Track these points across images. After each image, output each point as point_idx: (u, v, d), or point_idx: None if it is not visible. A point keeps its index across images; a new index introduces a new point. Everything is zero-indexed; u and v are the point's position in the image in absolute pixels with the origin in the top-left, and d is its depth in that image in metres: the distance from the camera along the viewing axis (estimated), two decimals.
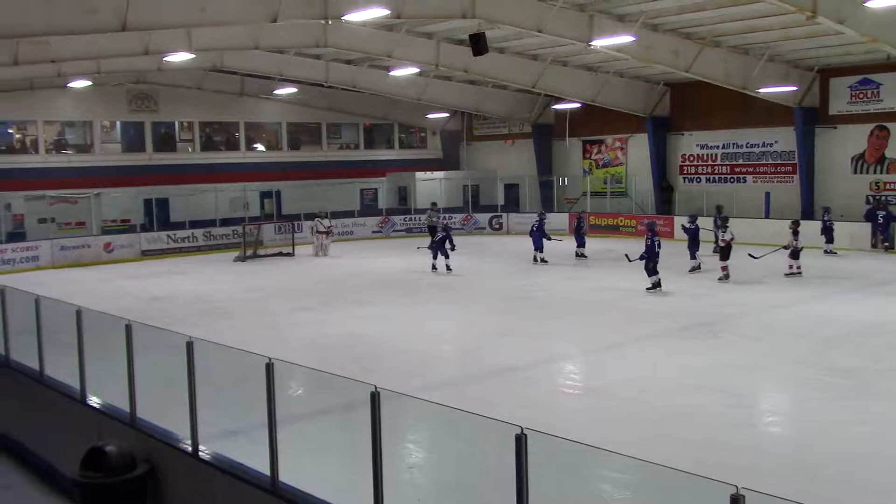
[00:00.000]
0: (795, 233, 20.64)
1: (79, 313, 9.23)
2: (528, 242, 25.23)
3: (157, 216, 31.12)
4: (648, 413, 10.20)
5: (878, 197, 26.70)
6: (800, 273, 20.57)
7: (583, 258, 25.31)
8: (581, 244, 25.73)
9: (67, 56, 22.64)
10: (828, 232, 24.70)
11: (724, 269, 20.12)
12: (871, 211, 26.21)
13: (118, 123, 33.86)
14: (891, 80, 26.46)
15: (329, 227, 29.02)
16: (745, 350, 13.47)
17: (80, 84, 29.38)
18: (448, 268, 22.87)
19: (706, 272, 20.99)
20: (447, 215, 33.48)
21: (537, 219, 25.08)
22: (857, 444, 9.08)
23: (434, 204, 32.25)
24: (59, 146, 32.83)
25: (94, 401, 9.00)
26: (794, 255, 20.58)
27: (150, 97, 32.99)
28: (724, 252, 20.26)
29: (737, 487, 3.78)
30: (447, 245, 22.98)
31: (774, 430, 10.16)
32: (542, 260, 24.46)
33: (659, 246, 19.07)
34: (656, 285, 18.91)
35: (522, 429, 4.65)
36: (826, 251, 24.63)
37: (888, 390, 11.06)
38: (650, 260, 18.96)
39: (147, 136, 33.62)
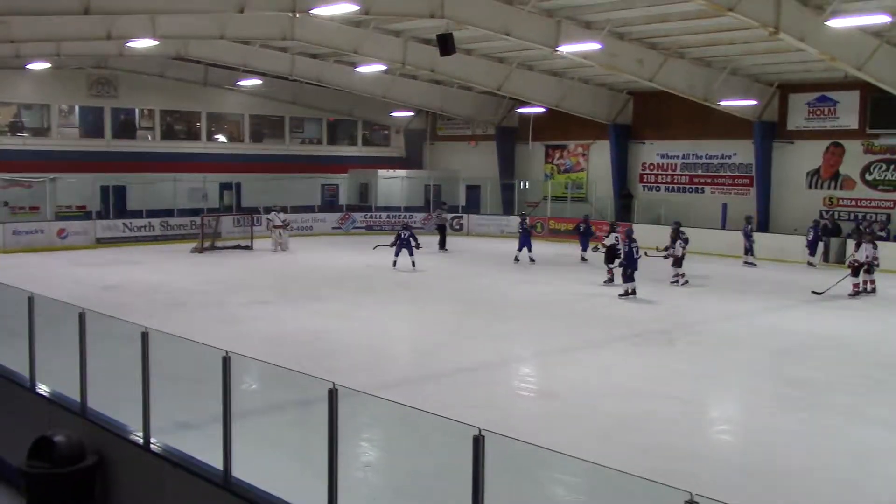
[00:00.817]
0: (674, 241, 21.18)
1: (30, 299, 9.04)
2: (489, 244, 25.39)
3: (114, 204, 30.68)
4: (602, 418, 10.29)
5: (831, 213, 27.20)
6: (686, 281, 21.10)
7: (584, 262, 25.45)
8: (585, 248, 25.80)
9: (27, 37, 22.24)
10: (813, 245, 25.31)
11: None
12: (826, 226, 26.68)
13: (77, 108, 33.28)
14: (847, 98, 27.00)
15: (285, 221, 28.76)
16: (699, 358, 13.65)
17: (39, 66, 28.81)
18: (413, 264, 23.25)
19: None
20: (408, 214, 33.52)
21: (521, 220, 26.20)
22: (805, 455, 9.25)
23: (444, 203, 32.18)
24: (15, 128, 32.16)
25: (43, 389, 8.82)
26: (677, 263, 21.21)
27: (110, 82, 32.47)
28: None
29: (691, 494, 3.82)
30: (413, 243, 23.44)
31: (725, 437, 10.31)
32: (531, 259, 25.16)
33: (637, 252, 19.21)
34: (630, 292, 19.05)
35: (480, 430, 4.66)
36: (811, 263, 25.26)
37: (838, 403, 11.27)
38: (628, 266, 19.16)
39: (106, 122, 33.07)
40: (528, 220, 26.39)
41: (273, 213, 28.83)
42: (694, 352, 14.14)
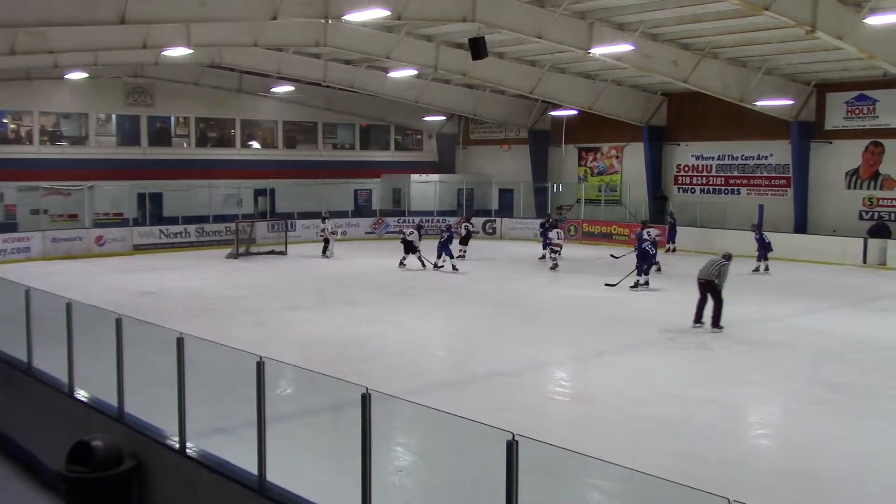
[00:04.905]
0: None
1: (69, 306, 9.16)
2: (522, 247, 25.40)
3: (150, 211, 31.06)
4: (637, 422, 10.18)
5: (881, 214, 26.68)
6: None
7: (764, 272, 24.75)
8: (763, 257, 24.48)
9: (65, 47, 22.56)
10: None
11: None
12: (875, 227, 26.26)
13: (114, 116, 33.76)
14: (887, 97, 26.56)
15: (334, 229, 28.85)
16: (734, 362, 13.47)
17: (76, 76, 29.29)
18: (454, 268, 23.78)
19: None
20: (443, 219, 33.55)
21: (545, 219, 27.82)
22: (845, 460, 9.08)
23: (560, 208, 32.30)
24: (54, 137, 32.72)
25: (81, 394, 8.92)
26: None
27: (146, 91, 32.91)
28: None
29: (728, 500, 3.75)
30: (451, 245, 24.33)
31: (763, 442, 10.15)
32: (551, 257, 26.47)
33: (653, 249, 20.49)
34: (642, 284, 20.28)
35: (514, 434, 4.62)
36: None
37: (878, 407, 11.06)
38: (644, 262, 20.35)
39: (142, 130, 33.53)
40: (551, 220, 27.43)
41: (328, 220, 28.85)
42: (731, 355, 13.94)
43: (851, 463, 8.97)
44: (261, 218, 32.40)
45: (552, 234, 25.10)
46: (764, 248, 23.89)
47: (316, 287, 21.46)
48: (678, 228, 29.07)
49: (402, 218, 35.30)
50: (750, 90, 26.12)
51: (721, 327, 15.49)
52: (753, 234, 24.24)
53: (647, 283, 20.39)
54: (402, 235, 25.53)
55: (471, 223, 27.71)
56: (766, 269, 23.75)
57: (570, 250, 28.70)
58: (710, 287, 15.65)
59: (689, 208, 31.07)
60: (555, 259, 24.64)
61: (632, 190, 33.79)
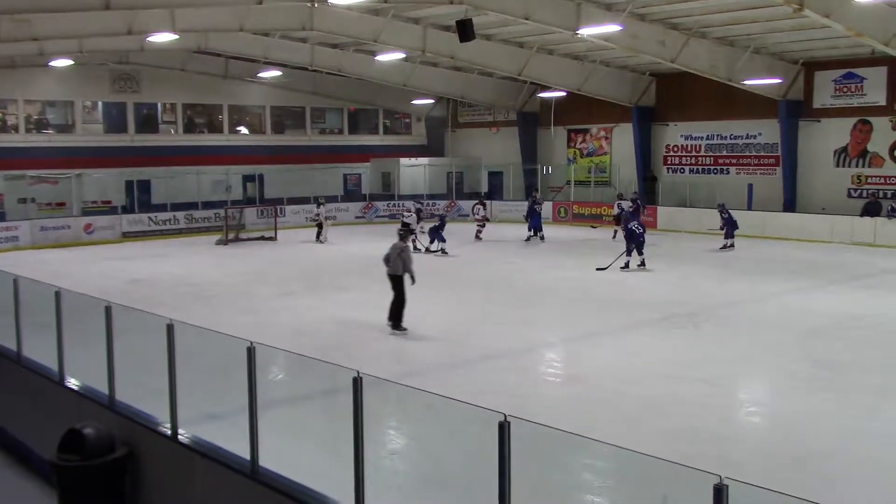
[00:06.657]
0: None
1: (58, 294, 9.11)
2: (512, 230, 25.43)
3: (139, 198, 30.91)
4: (628, 402, 10.22)
5: (874, 192, 26.74)
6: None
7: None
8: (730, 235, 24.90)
9: (49, 34, 22.36)
10: None
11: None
12: (869, 205, 26.35)
13: (100, 104, 33.47)
14: (874, 75, 26.58)
15: (327, 214, 28.75)
16: (726, 341, 13.52)
17: (62, 63, 29.02)
18: (444, 251, 24.04)
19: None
20: (432, 202, 33.50)
21: (532, 199, 27.85)
22: (837, 436, 9.14)
23: (536, 191, 32.05)
24: (40, 125, 32.47)
25: (72, 383, 8.90)
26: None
27: (132, 78, 32.66)
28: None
29: (720, 477, 3.76)
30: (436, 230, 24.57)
31: (755, 420, 10.21)
32: (541, 238, 26.64)
33: (639, 229, 20.41)
34: (627, 266, 20.23)
35: (506, 416, 4.62)
36: None
37: (869, 383, 11.12)
38: (631, 241, 20.40)
39: (129, 117, 33.28)
40: (537, 198, 27.84)
41: (321, 205, 28.80)
42: (721, 334, 14.01)
43: (842, 439, 9.03)
44: (250, 204, 32.28)
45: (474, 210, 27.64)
46: (731, 226, 24.26)
47: (306, 272, 21.42)
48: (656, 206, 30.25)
49: (393, 202, 35.27)
50: (738, 69, 26.11)
51: (404, 329, 13.73)
52: (720, 212, 24.54)
53: (642, 262, 20.34)
54: (401, 218, 25.97)
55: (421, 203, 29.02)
56: (732, 245, 24.16)
57: (561, 232, 28.81)
58: (398, 280, 13.96)
59: (678, 188, 31.12)
60: (478, 233, 26.90)
61: (621, 171, 33.79)
